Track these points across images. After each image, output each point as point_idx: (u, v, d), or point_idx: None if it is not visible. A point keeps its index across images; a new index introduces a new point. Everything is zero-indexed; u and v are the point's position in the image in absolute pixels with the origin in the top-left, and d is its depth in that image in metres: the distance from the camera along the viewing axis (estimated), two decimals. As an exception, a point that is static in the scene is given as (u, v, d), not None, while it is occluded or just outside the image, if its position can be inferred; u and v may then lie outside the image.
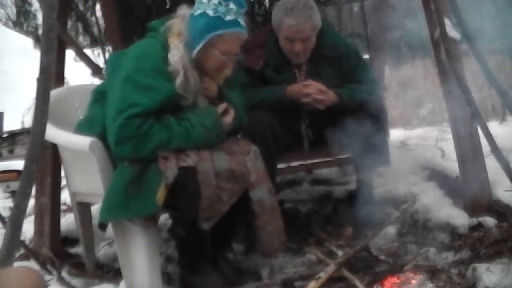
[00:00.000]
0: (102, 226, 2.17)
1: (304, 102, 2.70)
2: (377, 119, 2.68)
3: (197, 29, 2.19)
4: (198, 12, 2.21)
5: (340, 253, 2.43)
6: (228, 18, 2.18)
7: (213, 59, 2.23)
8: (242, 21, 2.23)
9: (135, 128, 2.09)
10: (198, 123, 2.17)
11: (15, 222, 1.46)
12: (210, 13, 2.18)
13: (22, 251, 2.70)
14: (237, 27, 2.21)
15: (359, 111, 2.65)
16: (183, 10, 2.27)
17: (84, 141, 2.21)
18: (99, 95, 2.33)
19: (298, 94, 2.71)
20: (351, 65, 2.83)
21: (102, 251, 2.78)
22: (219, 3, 2.18)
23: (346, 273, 2.19)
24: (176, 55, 2.16)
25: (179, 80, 2.15)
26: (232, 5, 2.19)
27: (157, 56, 2.17)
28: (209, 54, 2.22)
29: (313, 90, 2.69)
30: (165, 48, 2.18)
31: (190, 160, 2.12)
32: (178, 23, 2.23)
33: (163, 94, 2.14)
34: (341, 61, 2.82)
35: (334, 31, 2.98)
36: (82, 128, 2.32)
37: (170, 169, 2.09)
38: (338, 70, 2.81)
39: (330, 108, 2.70)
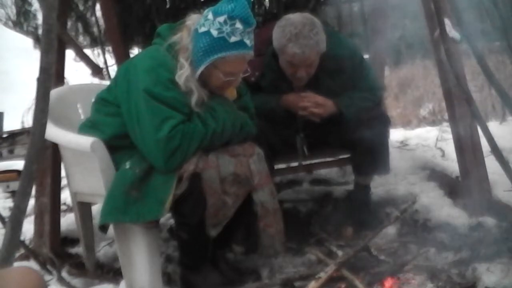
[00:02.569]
0: (103, 229, 2.17)
1: (300, 115, 2.64)
2: (378, 128, 2.63)
3: (200, 49, 2.11)
4: (203, 29, 2.11)
5: (340, 253, 2.43)
6: (232, 39, 2.08)
7: (217, 80, 2.17)
8: (248, 40, 2.11)
9: (180, 138, 2.06)
10: (228, 120, 2.19)
11: (15, 222, 1.46)
12: (214, 33, 2.08)
13: (22, 251, 2.70)
14: (241, 49, 2.11)
15: (359, 120, 2.60)
16: (190, 21, 2.18)
17: (85, 141, 2.20)
18: (102, 101, 2.31)
19: (294, 106, 2.64)
20: (354, 76, 2.71)
21: (102, 251, 2.78)
22: (225, 21, 2.07)
23: (346, 273, 2.19)
24: (183, 75, 2.12)
25: (194, 99, 2.13)
26: (238, 24, 2.07)
27: (172, 69, 2.13)
28: (212, 75, 2.16)
29: (310, 104, 2.61)
30: (171, 67, 2.14)
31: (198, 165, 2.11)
32: (185, 37, 2.16)
33: (188, 102, 2.13)
34: (344, 74, 2.68)
35: (340, 41, 2.76)
36: (85, 131, 2.30)
37: (184, 179, 2.07)
38: (339, 81, 2.69)
39: (328, 119, 2.64)
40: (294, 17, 2.58)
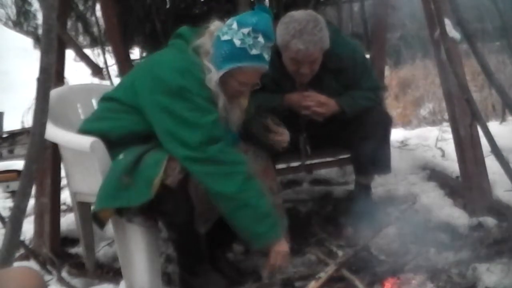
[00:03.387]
0: (98, 222, 2.16)
1: (303, 114, 2.65)
2: (380, 127, 2.64)
3: (220, 55, 2.13)
4: (225, 37, 2.13)
5: (340, 253, 2.43)
6: (253, 52, 2.11)
7: (230, 88, 2.18)
8: (267, 55, 2.16)
9: (222, 133, 2.09)
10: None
11: (15, 222, 1.46)
12: (237, 42, 2.11)
13: (22, 251, 2.70)
14: (260, 62, 2.15)
15: (361, 119, 2.61)
16: (213, 27, 2.19)
17: (85, 141, 2.20)
18: (110, 100, 2.28)
19: (297, 105, 2.65)
20: (356, 75, 2.71)
21: (102, 251, 2.78)
22: (248, 33, 2.10)
23: (346, 273, 2.19)
24: (212, 78, 2.12)
25: (221, 102, 2.13)
26: (260, 38, 2.11)
27: (203, 71, 2.13)
28: (227, 82, 2.16)
29: (313, 103, 2.62)
30: (202, 68, 2.14)
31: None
32: (208, 41, 2.17)
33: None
34: (346, 73, 2.69)
35: (342, 40, 2.77)
36: (89, 125, 2.28)
37: (178, 173, 2.05)
38: (341, 80, 2.70)
39: (330, 118, 2.64)
40: (298, 14, 2.59)
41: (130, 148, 2.14)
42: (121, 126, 2.20)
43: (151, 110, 2.12)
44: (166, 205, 2.09)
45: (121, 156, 2.13)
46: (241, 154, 2.16)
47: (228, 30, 2.14)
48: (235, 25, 2.13)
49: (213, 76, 2.13)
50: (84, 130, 2.28)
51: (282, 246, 2.15)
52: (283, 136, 2.37)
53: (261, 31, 2.11)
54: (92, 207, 2.61)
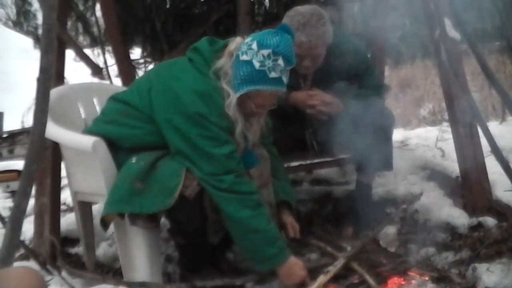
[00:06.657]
0: (104, 224, 2.15)
1: (308, 112, 2.66)
2: (382, 125, 2.64)
3: (239, 77, 2.09)
4: (244, 58, 2.08)
5: (348, 247, 2.42)
6: (272, 75, 2.06)
7: (246, 108, 2.15)
8: (285, 78, 2.11)
9: (237, 163, 2.09)
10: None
11: (15, 222, 1.46)
12: (256, 65, 2.06)
13: (22, 251, 2.70)
14: (278, 86, 2.11)
15: (365, 117, 2.62)
16: (233, 46, 2.13)
17: (87, 141, 2.19)
18: (124, 103, 2.25)
19: (302, 104, 2.66)
20: (359, 73, 2.73)
21: (102, 251, 2.78)
22: (268, 56, 2.05)
23: (356, 266, 2.19)
24: (231, 104, 2.10)
25: (239, 128, 2.13)
26: (280, 61, 2.06)
27: (222, 96, 2.11)
28: (243, 103, 2.13)
29: (318, 102, 2.63)
30: (222, 94, 2.11)
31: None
32: (227, 62, 2.13)
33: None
34: (350, 70, 2.69)
35: (345, 37, 2.80)
36: (100, 126, 2.27)
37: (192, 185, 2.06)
38: (345, 78, 2.71)
39: (334, 116, 2.64)
40: (303, 8, 2.60)
41: (142, 153, 2.13)
42: (135, 136, 2.19)
43: (164, 127, 2.11)
44: (180, 214, 2.09)
45: (133, 160, 2.11)
46: (252, 183, 2.15)
47: (247, 50, 2.08)
48: (255, 45, 2.07)
49: (232, 99, 2.10)
50: (95, 131, 2.25)
51: (295, 264, 2.14)
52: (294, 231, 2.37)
53: (282, 54, 2.06)
54: (94, 207, 2.64)
